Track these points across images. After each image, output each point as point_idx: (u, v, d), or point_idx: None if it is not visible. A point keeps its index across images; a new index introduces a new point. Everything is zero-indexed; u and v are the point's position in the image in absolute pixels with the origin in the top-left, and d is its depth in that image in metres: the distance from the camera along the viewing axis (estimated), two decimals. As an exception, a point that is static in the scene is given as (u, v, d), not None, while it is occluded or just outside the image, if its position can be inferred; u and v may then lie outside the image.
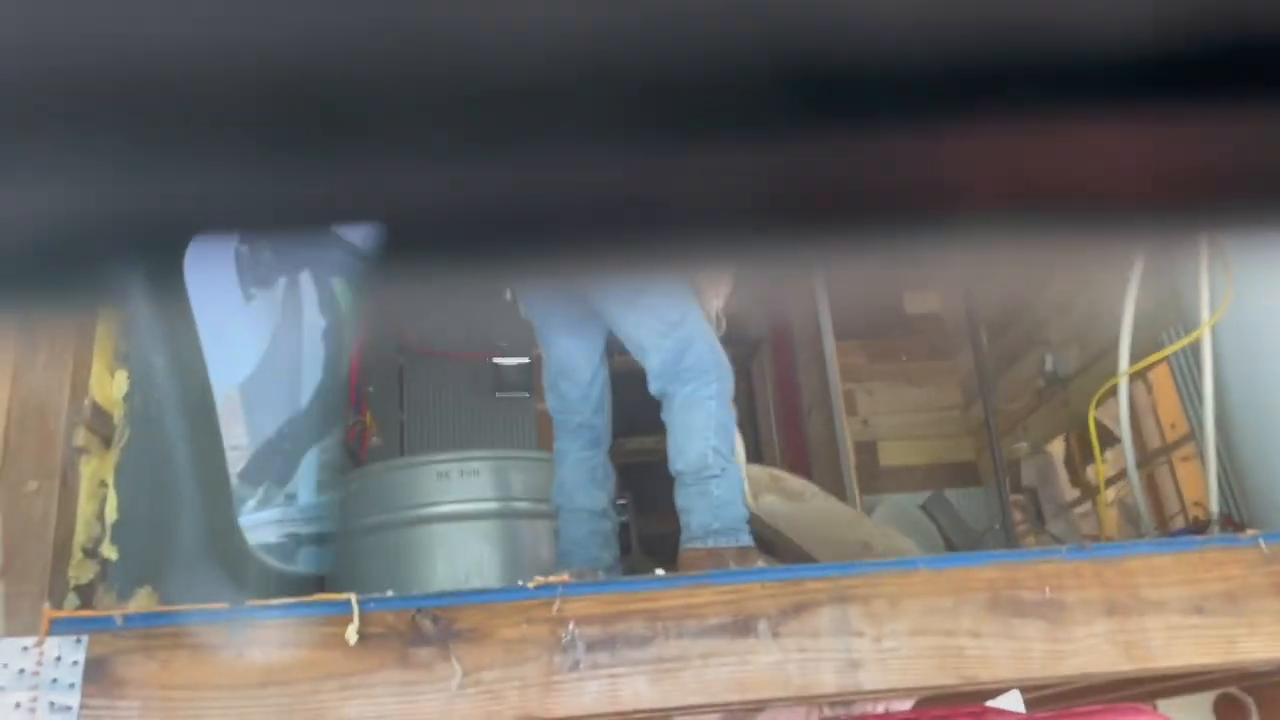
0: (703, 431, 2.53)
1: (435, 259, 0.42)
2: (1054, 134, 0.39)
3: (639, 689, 1.71)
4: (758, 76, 0.35)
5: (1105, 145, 0.40)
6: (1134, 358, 2.73)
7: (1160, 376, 3.56)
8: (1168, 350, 2.60)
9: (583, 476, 2.59)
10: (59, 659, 1.63)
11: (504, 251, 0.43)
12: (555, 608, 1.75)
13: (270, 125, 0.36)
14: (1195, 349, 2.59)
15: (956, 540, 4.38)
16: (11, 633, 1.66)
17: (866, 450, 4.77)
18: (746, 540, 2.45)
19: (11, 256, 0.39)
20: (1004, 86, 0.37)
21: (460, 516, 2.93)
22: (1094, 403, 2.62)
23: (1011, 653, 1.76)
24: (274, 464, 3.29)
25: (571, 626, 1.74)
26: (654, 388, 2.60)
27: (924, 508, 4.57)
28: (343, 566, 2.99)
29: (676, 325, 2.62)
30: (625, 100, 0.37)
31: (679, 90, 0.36)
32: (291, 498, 3.31)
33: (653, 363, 2.59)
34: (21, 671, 1.61)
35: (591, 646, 1.73)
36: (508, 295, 2.57)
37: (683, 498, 2.49)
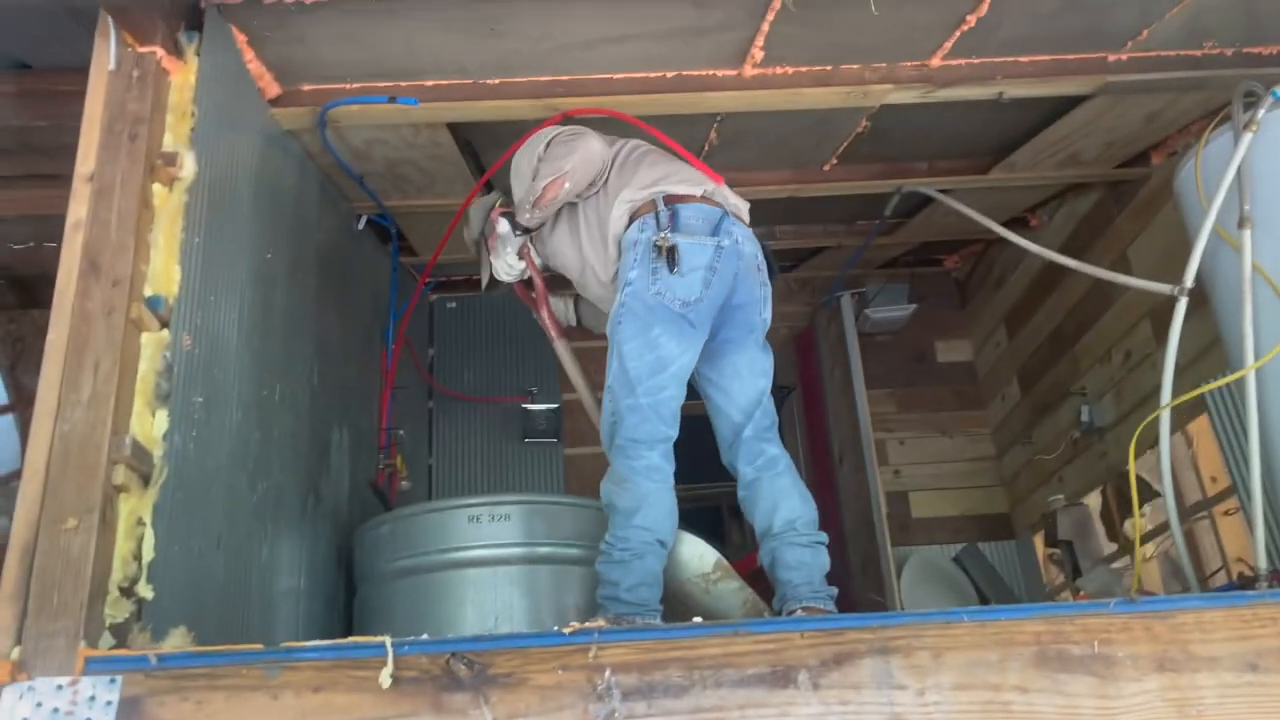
0: (810, 498, 2.61)
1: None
2: None
3: (676, 739, 1.67)
4: None
5: None
6: (1175, 410, 2.68)
7: (1200, 429, 3.51)
8: (1207, 386, 2.54)
9: (672, 506, 2.49)
10: (93, 699, 1.62)
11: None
12: (591, 654, 1.72)
13: None
14: (1239, 400, 2.55)
15: (991, 594, 4.30)
16: (46, 671, 1.65)
17: (898, 501, 4.71)
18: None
19: None
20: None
21: (490, 561, 2.90)
22: (1134, 441, 2.56)
23: (1059, 709, 1.71)
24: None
25: (608, 674, 1.71)
26: (749, 433, 2.61)
27: (957, 560, 4.51)
28: (372, 609, 2.96)
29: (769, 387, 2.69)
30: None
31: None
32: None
33: (760, 417, 2.63)
34: (56, 711, 1.60)
35: (628, 695, 1.70)
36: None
37: (793, 554, 2.50)
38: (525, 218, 2.74)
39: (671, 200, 2.56)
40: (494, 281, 3.05)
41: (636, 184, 2.61)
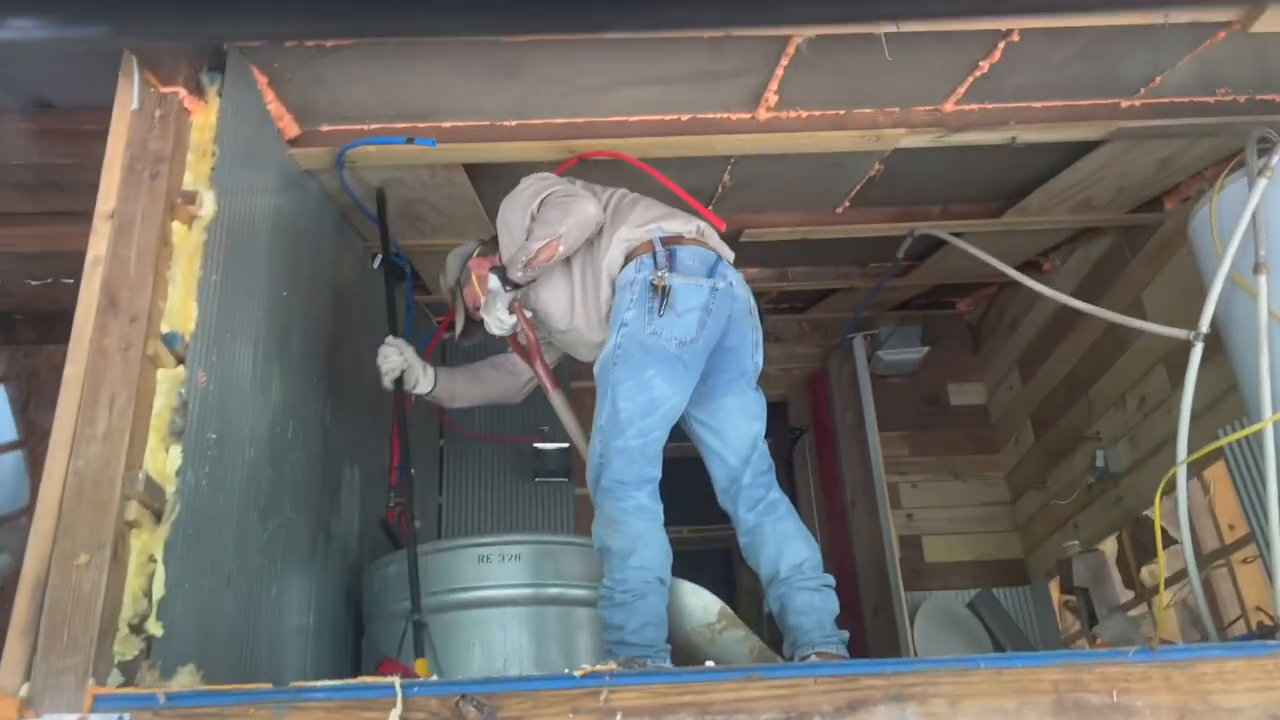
0: (814, 541, 2.60)
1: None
2: None
3: (687, 787, 1.65)
4: None
5: None
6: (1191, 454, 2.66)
7: (1217, 475, 3.48)
8: (1225, 440, 2.52)
9: (666, 544, 2.47)
10: (100, 737, 1.60)
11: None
12: (603, 698, 1.70)
13: None
14: (1256, 447, 2.53)
15: (1006, 641, 4.25)
16: (54, 708, 1.64)
17: (911, 545, 4.67)
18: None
19: None
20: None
21: (499, 602, 2.88)
22: (1159, 494, 2.54)
23: (1078, 760, 1.68)
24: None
25: (619, 718, 1.69)
26: (748, 480, 2.61)
27: (972, 606, 4.46)
28: (380, 649, 2.94)
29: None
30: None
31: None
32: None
33: (757, 461, 2.63)
34: (62, 749, 1.59)
35: (639, 740, 1.68)
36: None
37: (803, 599, 2.48)
38: (518, 275, 2.67)
39: (669, 241, 2.58)
40: (467, 330, 3.03)
41: (633, 222, 2.63)
